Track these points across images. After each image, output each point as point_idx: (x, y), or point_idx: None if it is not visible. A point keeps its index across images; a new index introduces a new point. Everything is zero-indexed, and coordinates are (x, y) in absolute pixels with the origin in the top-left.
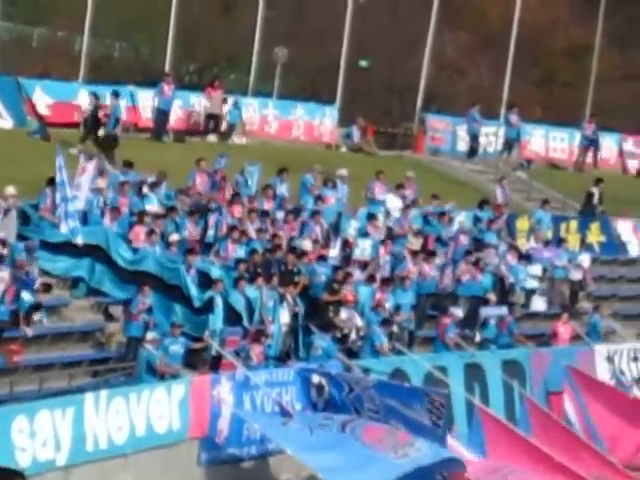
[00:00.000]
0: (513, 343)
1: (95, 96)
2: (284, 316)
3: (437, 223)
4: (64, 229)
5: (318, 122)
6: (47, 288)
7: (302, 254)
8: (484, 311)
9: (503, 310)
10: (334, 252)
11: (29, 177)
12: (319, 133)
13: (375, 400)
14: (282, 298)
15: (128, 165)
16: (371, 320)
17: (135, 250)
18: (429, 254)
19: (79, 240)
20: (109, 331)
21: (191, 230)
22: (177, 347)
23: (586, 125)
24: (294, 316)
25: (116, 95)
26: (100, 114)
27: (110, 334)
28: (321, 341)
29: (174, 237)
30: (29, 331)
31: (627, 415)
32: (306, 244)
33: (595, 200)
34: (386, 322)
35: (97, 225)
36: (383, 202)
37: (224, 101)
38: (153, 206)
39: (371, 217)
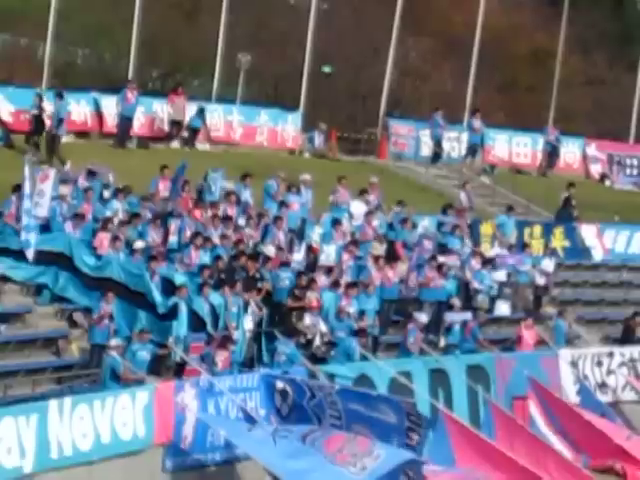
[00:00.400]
0: (477, 348)
1: (40, 97)
2: (248, 322)
3: (401, 228)
4: (21, 238)
5: (281, 128)
6: None
7: (266, 260)
8: (449, 316)
9: (467, 315)
10: (299, 257)
11: None
12: (282, 139)
13: (337, 405)
14: (246, 304)
15: (92, 174)
16: (335, 326)
17: (99, 257)
18: (393, 259)
19: (29, 254)
20: (69, 338)
21: (154, 237)
22: (144, 353)
23: (549, 130)
24: (258, 322)
25: (60, 96)
26: (44, 115)
27: (69, 341)
28: (285, 347)
29: (139, 244)
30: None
31: (580, 435)
32: (269, 250)
33: (572, 204)
34: (360, 332)
35: (60, 232)
36: (347, 207)
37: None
38: (117, 213)
39: (335, 222)
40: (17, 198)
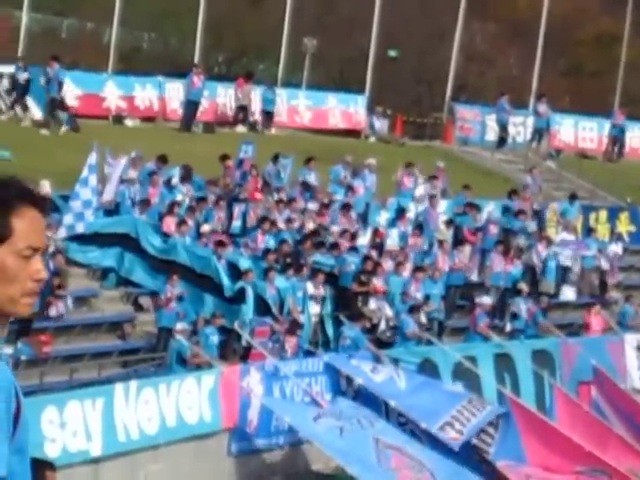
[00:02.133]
0: (539, 333)
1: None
2: (313, 307)
3: (466, 214)
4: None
5: (348, 112)
6: None
7: (334, 245)
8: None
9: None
10: (364, 241)
11: (59, 168)
12: (349, 122)
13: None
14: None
15: (162, 160)
16: (400, 310)
17: (165, 240)
18: (459, 244)
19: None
20: (135, 322)
21: (220, 220)
22: (215, 337)
23: (617, 114)
24: (322, 305)
25: (56, 59)
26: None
27: (134, 325)
28: (350, 331)
29: (206, 227)
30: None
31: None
32: (335, 234)
33: None
34: (414, 309)
35: (127, 214)
36: (412, 192)
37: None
38: (183, 197)
39: (401, 207)
40: (80, 185)
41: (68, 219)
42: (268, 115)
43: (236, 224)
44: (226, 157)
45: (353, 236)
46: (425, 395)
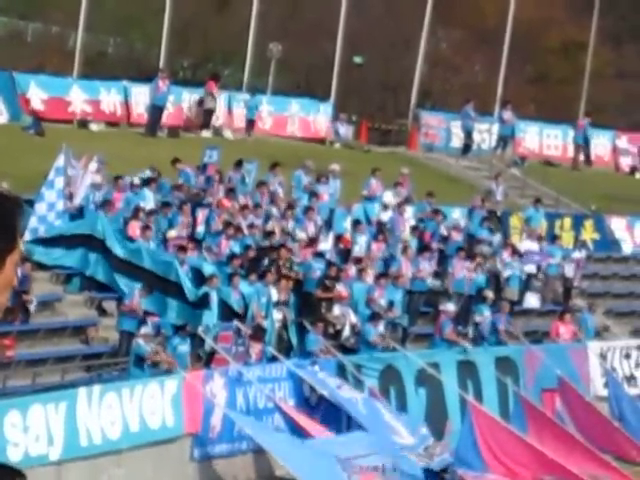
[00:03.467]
0: (502, 340)
1: None
2: (276, 312)
3: (431, 220)
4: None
5: (312, 118)
6: None
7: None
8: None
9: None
10: (326, 246)
11: (23, 172)
12: (313, 129)
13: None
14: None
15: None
16: (364, 315)
17: (131, 241)
18: (423, 251)
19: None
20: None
21: (184, 225)
22: (185, 347)
23: (579, 123)
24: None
25: None
26: None
27: (97, 329)
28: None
29: (172, 233)
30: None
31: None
32: (301, 239)
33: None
34: (375, 317)
35: (91, 216)
36: (379, 198)
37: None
38: (148, 202)
39: (366, 213)
40: (46, 187)
41: (33, 222)
42: (250, 123)
43: (200, 229)
44: (177, 160)
45: (312, 242)
46: (383, 424)
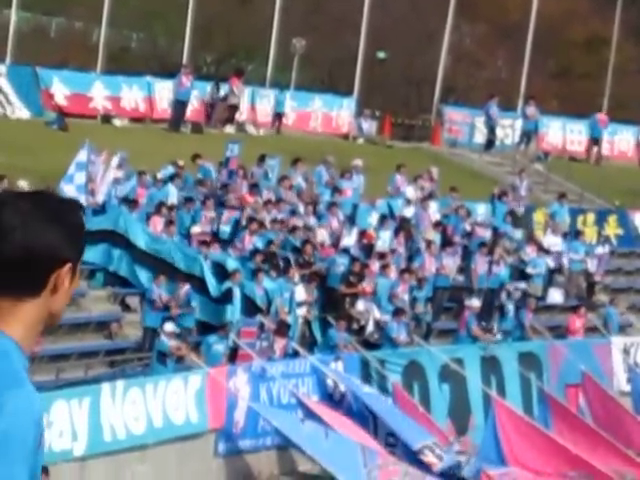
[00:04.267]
0: (526, 335)
1: None
2: (300, 308)
3: (455, 215)
4: None
5: (336, 113)
6: None
7: (320, 245)
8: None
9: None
10: (350, 241)
11: (46, 168)
12: (336, 124)
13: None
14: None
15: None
16: (389, 311)
17: (154, 237)
18: (447, 246)
19: None
20: (122, 322)
21: (208, 221)
22: (221, 347)
23: (599, 118)
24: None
25: None
26: None
27: (121, 325)
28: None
29: (196, 229)
30: None
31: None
32: (322, 235)
33: None
34: (399, 312)
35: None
36: (403, 194)
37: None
38: (171, 198)
39: (390, 209)
40: (65, 182)
41: None
42: (278, 117)
43: (225, 229)
44: (197, 156)
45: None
46: (402, 420)
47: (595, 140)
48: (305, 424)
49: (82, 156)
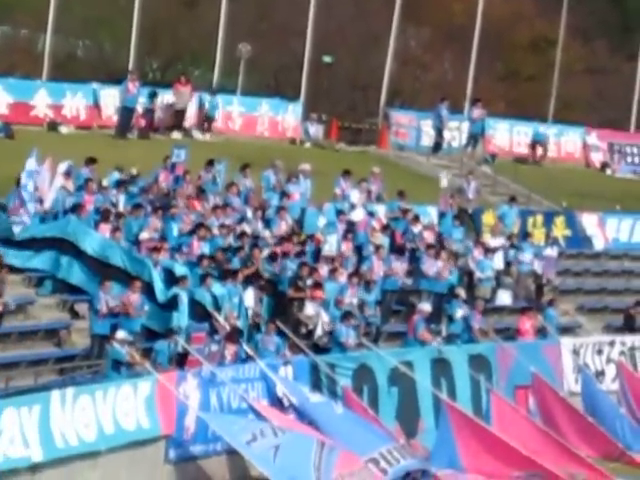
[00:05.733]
0: (475, 338)
1: None
2: (249, 312)
3: (402, 219)
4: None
5: (282, 118)
6: None
7: (273, 254)
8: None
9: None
10: (332, 247)
11: None
12: (283, 129)
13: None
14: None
15: (91, 161)
16: (335, 316)
17: (103, 241)
18: (396, 250)
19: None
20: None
21: (156, 227)
22: (168, 352)
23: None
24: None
25: None
26: None
27: (70, 332)
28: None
29: (144, 235)
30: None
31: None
32: (269, 239)
33: None
34: (347, 315)
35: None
36: (348, 197)
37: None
38: (118, 204)
39: (338, 213)
40: (18, 190)
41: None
42: (209, 120)
43: (173, 231)
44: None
45: (288, 240)
46: (358, 427)
47: (537, 142)
48: (252, 445)
49: (31, 164)
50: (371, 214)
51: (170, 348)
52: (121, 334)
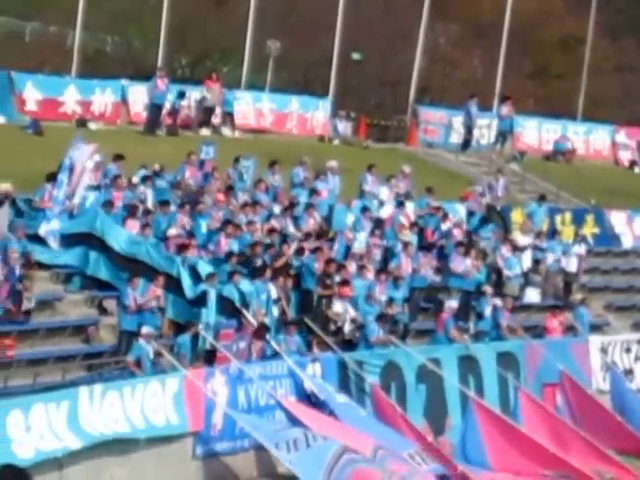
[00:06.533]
0: (503, 335)
1: None
2: (276, 309)
3: (431, 216)
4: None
5: (311, 115)
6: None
7: (300, 250)
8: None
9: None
10: (361, 244)
11: (23, 172)
12: (312, 126)
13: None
14: (275, 292)
15: (119, 158)
16: (366, 312)
17: (129, 237)
18: (424, 247)
19: (52, 242)
20: (99, 325)
21: (184, 224)
22: (189, 344)
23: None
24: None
25: None
26: None
27: (98, 328)
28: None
29: (172, 231)
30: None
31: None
32: (297, 236)
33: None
34: (382, 317)
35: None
36: (376, 195)
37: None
38: (146, 200)
39: (365, 210)
40: (52, 186)
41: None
42: (229, 116)
43: (202, 226)
44: (192, 153)
45: (318, 237)
46: (380, 430)
47: (559, 151)
48: (283, 433)
49: (67, 160)
50: (399, 211)
51: (193, 342)
52: (145, 329)
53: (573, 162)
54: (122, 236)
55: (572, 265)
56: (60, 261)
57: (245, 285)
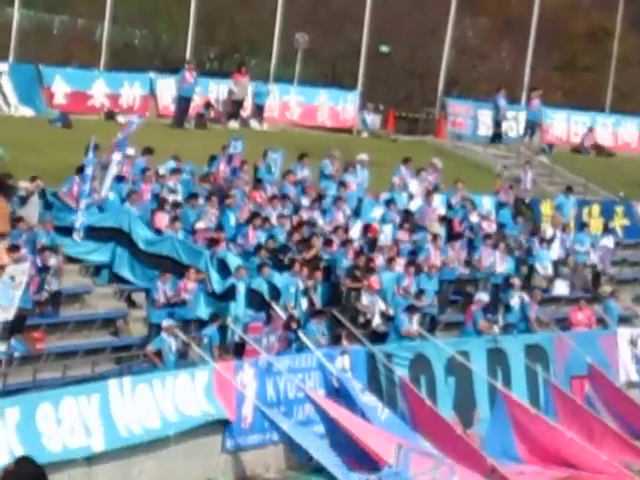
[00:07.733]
0: (531, 328)
1: None
2: (305, 302)
3: (460, 208)
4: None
5: (340, 108)
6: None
7: (328, 241)
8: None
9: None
10: (355, 234)
11: (52, 165)
12: (341, 119)
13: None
14: (304, 284)
15: (147, 151)
16: (397, 304)
17: (158, 233)
18: (453, 239)
19: (76, 236)
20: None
21: (212, 217)
22: (214, 336)
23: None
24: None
25: None
26: None
27: (127, 321)
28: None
29: (200, 225)
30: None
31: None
32: (327, 229)
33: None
34: (412, 308)
35: (118, 209)
36: (406, 187)
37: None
38: (175, 193)
39: (388, 202)
40: (80, 179)
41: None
42: (259, 108)
43: (231, 219)
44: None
45: (346, 231)
46: (402, 431)
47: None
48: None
49: (90, 153)
50: (428, 204)
51: (221, 334)
52: (166, 322)
53: (601, 154)
54: (146, 233)
55: (600, 257)
56: (90, 258)
57: (275, 278)
